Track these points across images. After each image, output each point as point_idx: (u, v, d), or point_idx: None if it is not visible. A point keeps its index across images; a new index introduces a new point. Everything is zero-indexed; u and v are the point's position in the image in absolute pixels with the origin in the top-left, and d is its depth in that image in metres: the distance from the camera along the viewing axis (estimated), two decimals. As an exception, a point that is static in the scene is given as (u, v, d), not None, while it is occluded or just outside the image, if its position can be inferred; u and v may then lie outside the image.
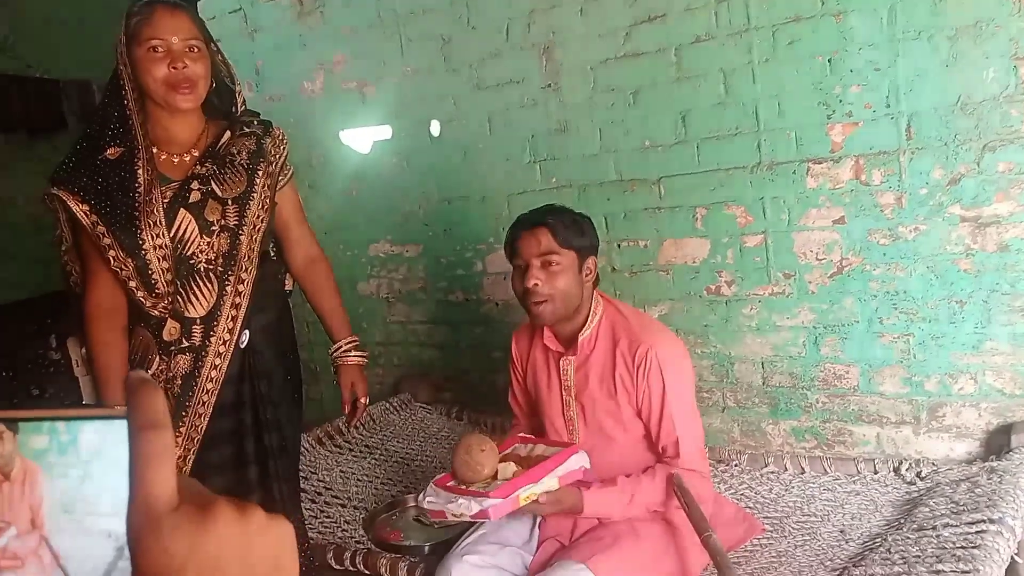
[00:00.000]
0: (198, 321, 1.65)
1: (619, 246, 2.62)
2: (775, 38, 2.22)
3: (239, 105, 1.79)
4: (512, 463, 1.77)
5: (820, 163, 2.24)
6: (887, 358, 2.26)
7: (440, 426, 2.99)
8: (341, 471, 2.62)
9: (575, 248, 1.74)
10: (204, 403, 1.65)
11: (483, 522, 1.88)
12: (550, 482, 1.63)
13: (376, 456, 2.73)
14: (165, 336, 1.64)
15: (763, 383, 2.48)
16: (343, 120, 3.15)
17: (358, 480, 2.57)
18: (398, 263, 3.21)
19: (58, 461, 0.35)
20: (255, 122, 1.79)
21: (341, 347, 1.95)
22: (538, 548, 1.80)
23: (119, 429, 0.35)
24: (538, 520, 1.86)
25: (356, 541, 2.18)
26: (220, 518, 0.34)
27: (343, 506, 2.40)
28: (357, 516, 2.31)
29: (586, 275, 1.76)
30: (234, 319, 1.67)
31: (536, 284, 1.70)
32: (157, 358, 1.65)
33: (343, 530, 2.26)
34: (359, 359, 1.97)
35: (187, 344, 1.65)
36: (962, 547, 1.63)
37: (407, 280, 3.21)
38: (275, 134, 1.80)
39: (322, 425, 2.86)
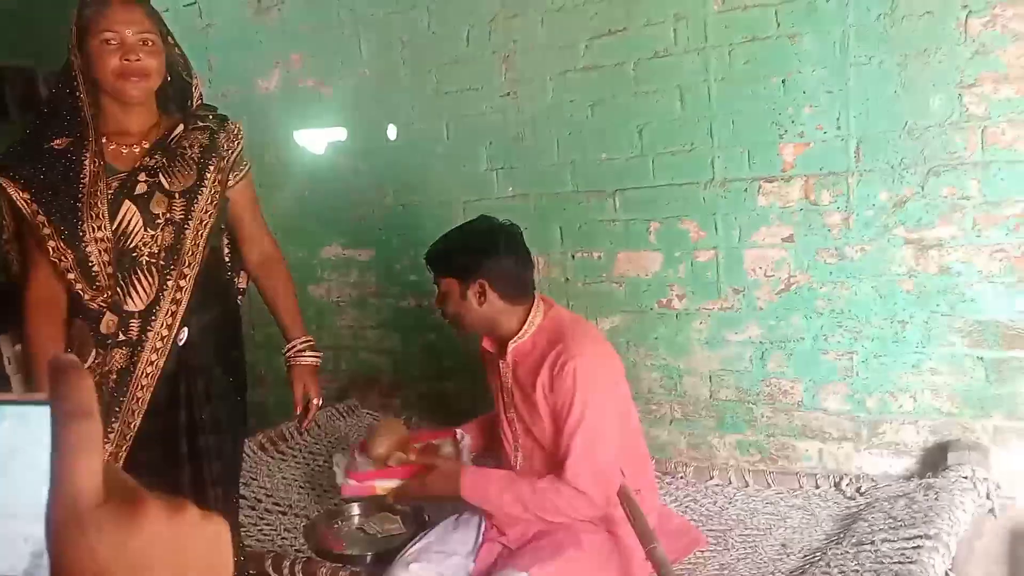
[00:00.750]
0: (136, 315, 1.61)
1: (573, 257, 2.62)
2: (731, 57, 2.26)
3: (195, 99, 1.77)
4: (404, 454, 2.05)
5: (771, 182, 2.28)
6: (831, 375, 2.30)
7: (381, 428, 2.93)
8: (283, 477, 2.56)
9: (451, 276, 1.79)
10: (139, 399, 1.61)
11: (427, 532, 1.87)
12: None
13: (320, 463, 2.67)
14: (102, 329, 1.61)
15: (710, 397, 2.50)
16: (298, 120, 3.10)
17: (300, 487, 2.51)
18: (350, 267, 3.16)
19: None
20: (211, 116, 1.77)
21: (295, 347, 1.92)
22: (480, 549, 1.79)
23: (40, 422, 0.32)
24: (483, 529, 1.85)
25: (296, 550, 2.12)
26: (149, 515, 0.31)
27: (284, 514, 2.34)
28: (298, 524, 2.26)
29: (477, 298, 1.76)
30: (173, 314, 1.64)
31: (441, 308, 1.85)
32: (93, 351, 1.61)
33: (283, 538, 2.20)
34: (313, 360, 1.94)
35: (124, 338, 1.61)
36: (899, 562, 1.66)
37: (358, 284, 3.16)
38: (230, 128, 1.77)
39: (265, 431, 2.79)
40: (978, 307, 2.08)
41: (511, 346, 1.78)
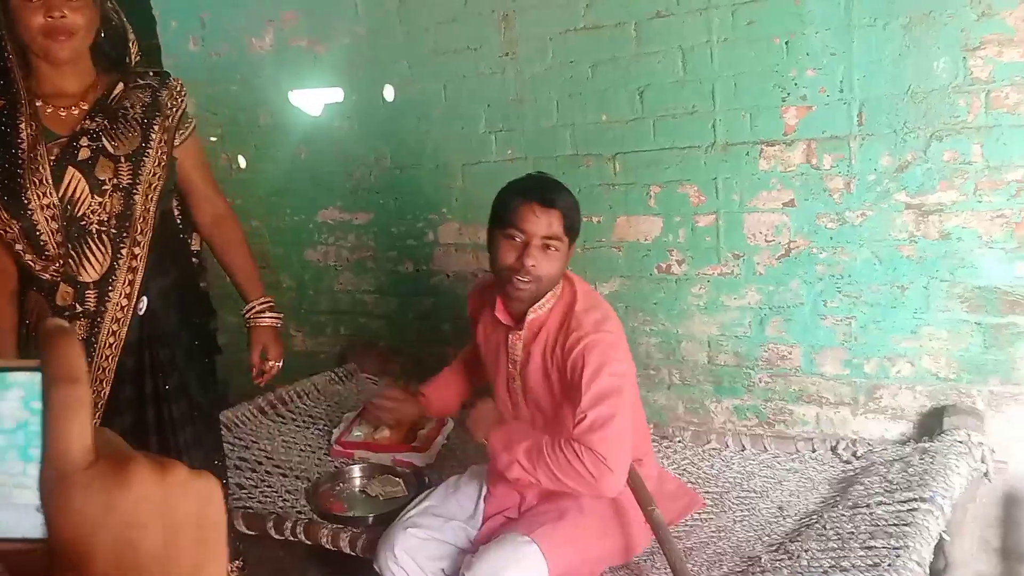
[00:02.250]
0: (91, 286, 1.58)
1: (580, 216, 2.60)
2: (734, 17, 2.22)
3: (133, 56, 1.69)
4: (387, 428, 2.42)
5: (773, 145, 2.25)
6: (829, 340, 2.31)
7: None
8: (283, 440, 2.57)
9: (572, 236, 1.72)
10: (104, 369, 1.59)
11: (428, 494, 1.89)
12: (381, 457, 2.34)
13: (320, 427, 2.68)
14: (58, 301, 1.57)
15: (708, 362, 2.51)
16: (293, 80, 3.05)
17: (300, 450, 2.52)
18: (347, 231, 3.14)
19: None
20: (150, 73, 1.70)
21: (254, 308, 1.90)
22: (483, 523, 1.80)
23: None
24: (483, 494, 1.86)
25: (297, 511, 2.14)
26: (138, 475, 0.32)
27: (284, 476, 2.36)
28: (299, 486, 2.28)
29: (567, 261, 1.74)
30: (131, 283, 1.61)
31: (534, 265, 1.65)
32: None
33: (284, 500, 2.22)
34: (272, 320, 1.92)
35: (81, 309, 1.58)
36: (894, 524, 1.68)
37: (356, 248, 3.15)
38: (172, 85, 1.71)
39: (264, 394, 2.80)
40: (977, 273, 2.08)
41: (530, 316, 1.74)
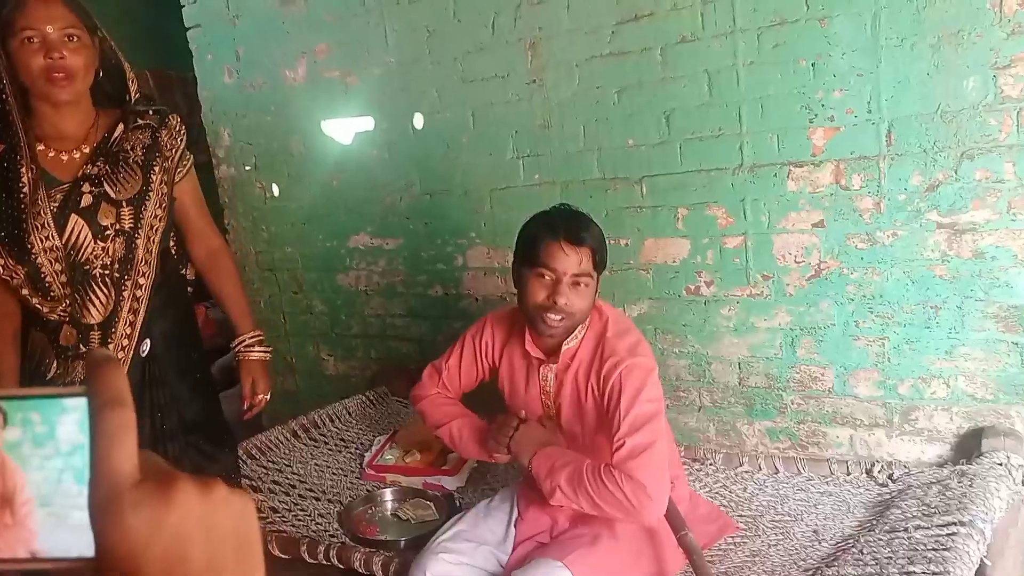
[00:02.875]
0: (95, 327, 1.59)
1: (607, 247, 2.61)
2: (760, 40, 2.23)
3: (132, 94, 1.70)
4: (418, 452, 2.49)
5: (801, 166, 2.25)
6: (862, 361, 2.29)
7: (416, 421, 2.97)
8: (316, 464, 2.60)
9: (600, 270, 1.72)
10: None
11: (460, 518, 1.89)
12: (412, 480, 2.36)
13: (352, 450, 2.71)
14: (61, 341, 1.59)
15: (739, 383, 2.50)
16: (325, 110, 3.12)
17: (333, 473, 2.55)
18: (377, 256, 3.18)
19: (33, 453, 0.34)
20: (150, 112, 1.71)
21: (244, 341, 1.91)
22: (515, 548, 1.80)
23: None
24: (514, 519, 1.86)
25: (330, 535, 2.16)
26: (182, 494, 0.34)
27: (317, 499, 2.38)
28: (332, 510, 2.30)
29: (596, 292, 1.75)
30: (132, 324, 1.63)
31: (567, 303, 1.64)
32: (55, 362, 1.60)
33: (317, 523, 2.24)
34: (262, 355, 1.93)
35: (85, 350, 1.59)
36: (933, 549, 1.65)
37: (386, 273, 3.19)
38: (171, 125, 1.73)
39: (297, 417, 2.83)
40: (1013, 292, 2.06)
41: (564, 347, 1.74)
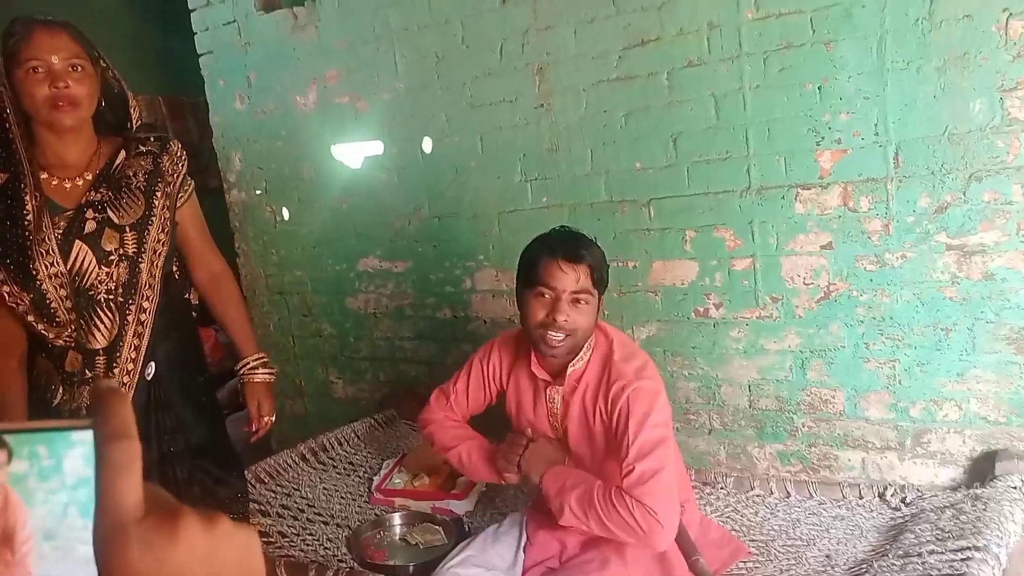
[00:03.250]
0: (100, 352, 1.61)
1: (608, 266, 2.62)
2: (766, 64, 2.25)
3: (134, 121, 1.73)
4: (427, 476, 2.49)
5: (808, 189, 2.26)
6: (873, 383, 2.27)
7: (425, 444, 2.96)
8: (324, 488, 2.59)
9: (601, 288, 1.73)
10: None
11: (469, 543, 1.88)
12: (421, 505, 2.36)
13: (360, 474, 2.70)
14: (67, 367, 1.60)
15: (749, 406, 2.48)
16: (335, 135, 3.15)
17: (341, 497, 2.54)
18: (386, 279, 3.20)
19: (39, 487, 0.34)
20: (151, 138, 1.74)
21: (248, 363, 1.92)
22: (524, 574, 1.79)
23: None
24: (523, 544, 1.85)
25: (339, 560, 2.15)
26: (186, 528, 0.34)
27: (326, 523, 2.37)
28: (340, 534, 2.29)
29: (599, 312, 1.75)
30: (136, 348, 1.64)
31: (566, 320, 1.65)
32: (61, 388, 1.61)
33: (325, 548, 2.23)
34: (266, 376, 1.94)
35: (90, 375, 1.60)
36: (947, 574, 1.63)
37: (395, 296, 3.20)
38: (172, 151, 1.75)
39: (306, 441, 2.83)
40: (1024, 313, 2.05)
41: (570, 369, 1.74)
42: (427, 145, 2.93)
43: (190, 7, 3.35)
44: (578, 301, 1.67)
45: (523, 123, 2.69)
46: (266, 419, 1.93)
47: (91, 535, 0.33)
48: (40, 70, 1.50)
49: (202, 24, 3.35)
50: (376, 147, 3.06)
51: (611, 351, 1.75)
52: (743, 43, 2.26)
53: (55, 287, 1.55)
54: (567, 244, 1.70)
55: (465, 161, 2.85)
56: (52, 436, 0.35)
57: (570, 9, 2.51)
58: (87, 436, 0.35)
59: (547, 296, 1.68)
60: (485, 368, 1.95)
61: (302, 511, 2.43)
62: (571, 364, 1.75)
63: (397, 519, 2.31)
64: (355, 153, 3.13)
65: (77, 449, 0.34)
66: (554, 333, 1.67)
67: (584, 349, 1.75)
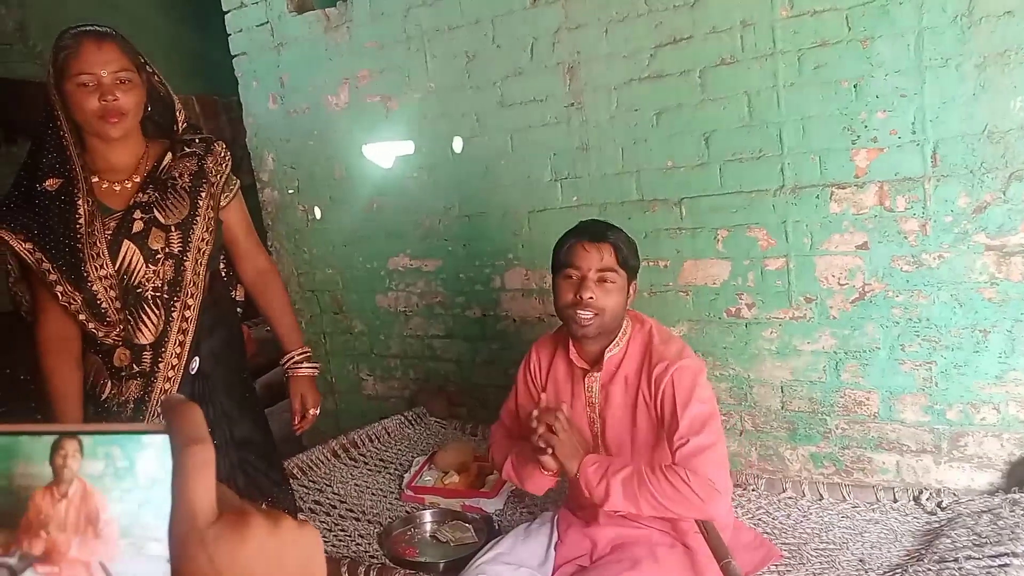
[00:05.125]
0: (148, 347, 1.65)
1: (637, 253, 2.61)
2: (800, 62, 2.22)
3: (180, 124, 1.78)
4: (456, 474, 2.52)
5: (844, 188, 2.23)
6: (908, 386, 2.24)
7: (454, 441, 2.98)
8: (356, 484, 2.62)
9: (628, 269, 1.75)
10: None
11: (499, 540, 1.89)
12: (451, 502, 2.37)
13: (391, 471, 2.73)
14: (115, 362, 1.65)
15: (782, 407, 2.46)
16: (366, 134, 3.17)
17: (372, 494, 2.57)
18: (417, 277, 3.22)
19: (115, 486, 0.36)
20: (196, 140, 1.78)
21: (293, 358, 1.96)
22: (555, 572, 1.79)
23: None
24: (554, 542, 1.86)
25: (370, 556, 2.17)
26: (255, 527, 0.35)
27: (357, 520, 2.40)
28: (371, 530, 2.31)
29: (628, 297, 1.76)
30: (181, 344, 1.68)
31: (592, 297, 1.69)
32: (109, 383, 1.66)
33: (357, 544, 2.25)
34: (310, 371, 1.98)
35: (137, 370, 1.65)
36: (985, 581, 1.61)
37: (425, 294, 3.22)
38: (216, 151, 1.79)
39: (337, 437, 2.87)
40: (1066, 315, 2.00)
41: (607, 355, 1.76)
42: (457, 144, 2.94)
43: (224, 9, 3.40)
44: (604, 280, 1.70)
45: (553, 122, 2.69)
46: (311, 412, 1.96)
47: (162, 533, 0.35)
48: (90, 83, 1.56)
49: (236, 26, 3.40)
50: (407, 146, 3.08)
51: (650, 336, 1.77)
52: (777, 41, 2.24)
53: (105, 288, 1.60)
54: (591, 226, 1.78)
55: (495, 160, 2.86)
56: (125, 439, 0.36)
57: (601, 8, 2.50)
58: (157, 440, 0.36)
59: (574, 277, 1.72)
60: (527, 373, 1.97)
61: (334, 507, 2.46)
62: (608, 350, 1.76)
63: (428, 516, 2.33)
64: (386, 152, 3.15)
65: (149, 451, 0.36)
66: (583, 312, 1.70)
67: (620, 335, 1.77)
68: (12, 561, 0.35)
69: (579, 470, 1.62)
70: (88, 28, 1.59)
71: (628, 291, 1.76)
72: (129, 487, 0.36)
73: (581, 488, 1.62)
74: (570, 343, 1.81)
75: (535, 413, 1.67)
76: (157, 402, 1.66)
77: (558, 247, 1.79)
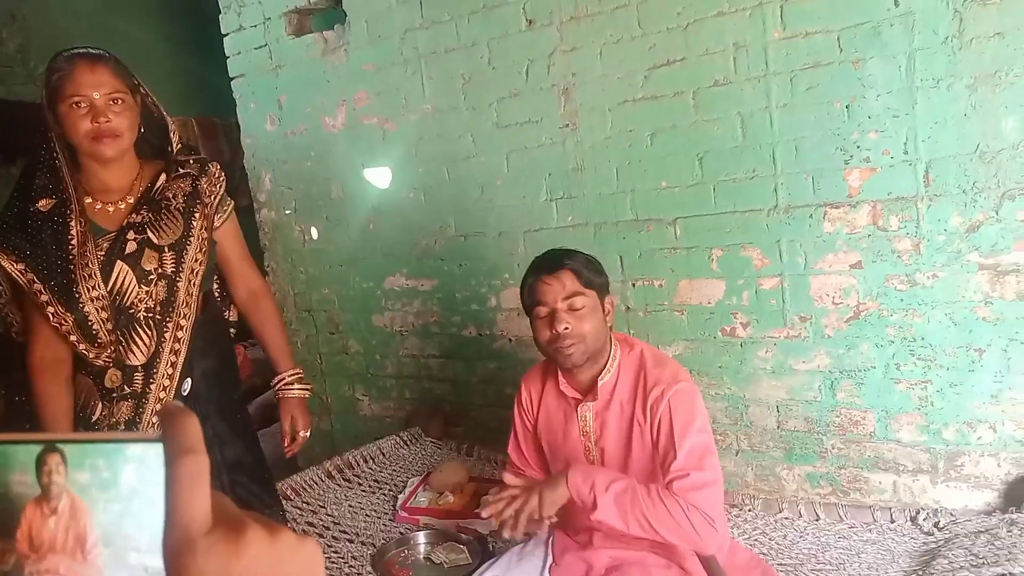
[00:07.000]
0: (139, 368, 1.64)
1: (634, 285, 2.62)
2: (793, 83, 2.24)
3: (174, 145, 1.78)
4: (451, 494, 2.49)
5: (837, 207, 2.24)
6: (904, 405, 2.24)
7: (449, 462, 2.96)
8: (350, 505, 2.60)
9: (596, 287, 1.73)
10: None
11: (493, 562, 1.88)
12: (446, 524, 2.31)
13: (385, 491, 2.71)
14: (106, 383, 1.64)
15: (778, 427, 2.45)
16: (363, 155, 3.19)
17: (366, 515, 2.55)
18: (413, 297, 3.22)
19: (99, 496, 0.36)
20: (191, 161, 1.79)
21: (284, 379, 1.95)
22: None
23: (156, 465, 0.36)
24: (548, 565, 1.84)
25: (364, 577, 2.15)
26: (252, 539, 0.35)
27: (351, 541, 2.38)
28: (365, 552, 2.29)
29: (606, 313, 1.75)
30: (173, 365, 1.68)
31: (567, 328, 1.67)
32: (100, 404, 1.64)
33: (350, 566, 2.23)
34: (301, 393, 1.96)
35: (128, 391, 1.64)
36: (983, 602, 1.59)
37: (421, 314, 3.22)
38: (210, 172, 1.80)
39: (332, 458, 2.85)
40: (1061, 334, 2.00)
41: (600, 382, 1.74)
42: (453, 165, 2.95)
43: (223, 32, 3.43)
44: (574, 308, 1.69)
45: (549, 143, 2.71)
46: (301, 434, 1.95)
47: (143, 544, 0.35)
48: (83, 105, 1.56)
49: (234, 48, 3.43)
50: (403, 167, 3.10)
51: (642, 359, 1.75)
52: (769, 62, 2.26)
53: (96, 309, 1.59)
54: (546, 260, 1.77)
55: (491, 180, 2.87)
56: (108, 449, 0.36)
57: (595, 30, 2.53)
58: (140, 450, 0.36)
59: (543, 313, 1.72)
60: (521, 409, 1.95)
61: (327, 528, 2.44)
62: (599, 377, 1.74)
63: (422, 538, 2.31)
64: (383, 173, 3.17)
65: (131, 464, 0.36)
66: (562, 344, 1.69)
67: (610, 360, 1.75)
68: (8, 570, 0.35)
69: (567, 481, 1.59)
70: (81, 51, 1.60)
71: (603, 308, 1.74)
72: (112, 497, 0.36)
73: (576, 503, 1.60)
74: (559, 374, 1.80)
75: (484, 514, 1.66)
76: (148, 424, 1.64)
77: (522, 289, 1.79)
